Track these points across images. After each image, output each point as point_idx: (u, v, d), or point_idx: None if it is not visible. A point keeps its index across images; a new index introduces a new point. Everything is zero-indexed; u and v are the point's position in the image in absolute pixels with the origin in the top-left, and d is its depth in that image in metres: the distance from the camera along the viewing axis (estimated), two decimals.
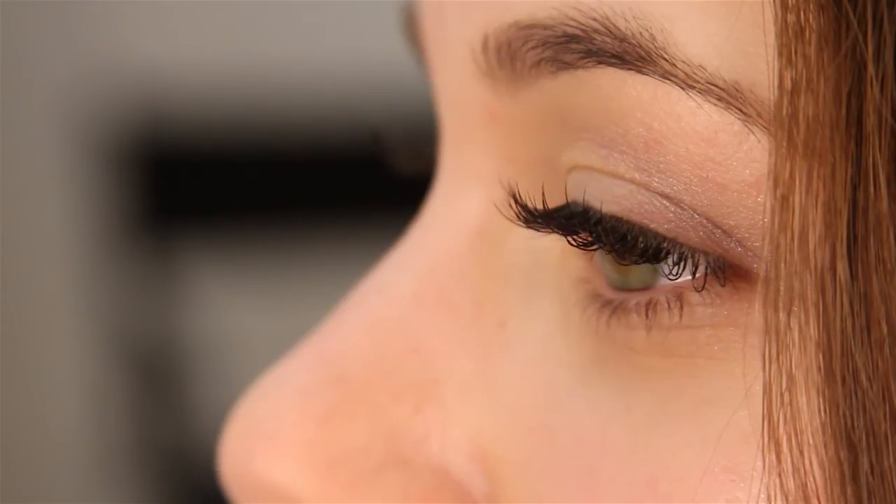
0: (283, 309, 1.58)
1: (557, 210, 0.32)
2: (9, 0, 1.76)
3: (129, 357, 1.77)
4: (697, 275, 0.31)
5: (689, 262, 0.31)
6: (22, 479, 1.80)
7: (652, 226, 0.31)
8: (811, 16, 0.28)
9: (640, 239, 0.31)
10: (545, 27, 0.31)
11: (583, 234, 0.32)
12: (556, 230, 0.33)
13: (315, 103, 1.69)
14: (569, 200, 0.32)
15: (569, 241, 0.32)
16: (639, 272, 0.32)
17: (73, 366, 1.84)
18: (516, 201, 0.33)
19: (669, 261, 0.31)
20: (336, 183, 1.65)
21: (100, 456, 1.82)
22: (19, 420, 1.81)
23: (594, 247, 0.32)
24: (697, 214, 0.31)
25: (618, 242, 0.31)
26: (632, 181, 0.31)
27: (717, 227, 0.31)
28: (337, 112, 1.69)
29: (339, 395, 0.35)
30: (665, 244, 0.31)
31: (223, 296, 1.78)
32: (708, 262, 0.31)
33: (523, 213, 0.33)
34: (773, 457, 0.29)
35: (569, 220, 0.32)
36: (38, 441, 1.83)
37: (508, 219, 0.33)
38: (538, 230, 0.33)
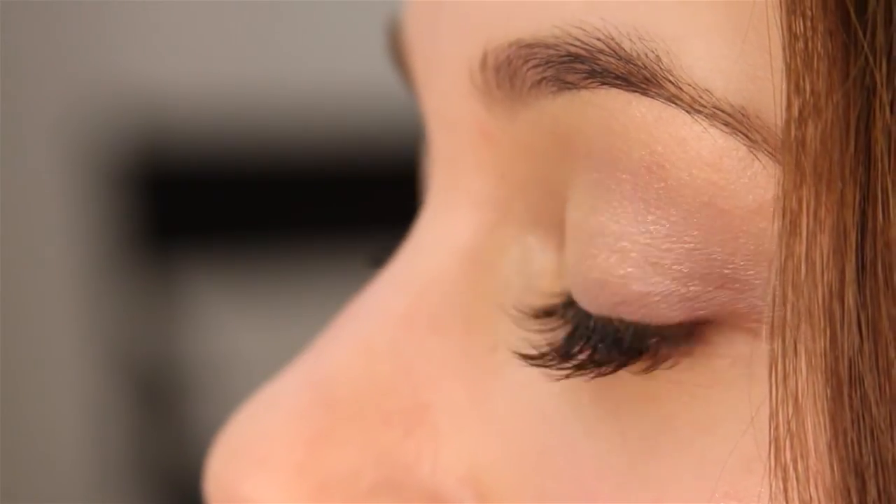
0: (282, 328, 1.58)
1: (556, 347, 0.32)
2: (8, 22, 1.76)
3: (128, 375, 1.77)
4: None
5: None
6: (21, 497, 1.79)
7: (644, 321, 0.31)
8: (819, 42, 0.28)
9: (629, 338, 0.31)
10: (548, 46, 0.31)
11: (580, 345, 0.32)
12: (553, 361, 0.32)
13: (314, 122, 1.69)
14: (563, 336, 0.32)
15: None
16: None
17: (72, 384, 1.84)
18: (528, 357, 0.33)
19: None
20: (336, 202, 1.65)
21: (99, 474, 1.82)
22: (19, 437, 1.81)
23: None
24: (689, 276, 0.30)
25: (611, 347, 0.31)
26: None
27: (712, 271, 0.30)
28: (336, 131, 1.69)
29: (329, 418, 0.34)
30: (652, 339, 0.31)
31: (222, 314, 1.78)
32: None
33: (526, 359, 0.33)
34: (780, 483, 0.29)
35: (567, 342, 0.32)
36: (37, 459, 1.83)
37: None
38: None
